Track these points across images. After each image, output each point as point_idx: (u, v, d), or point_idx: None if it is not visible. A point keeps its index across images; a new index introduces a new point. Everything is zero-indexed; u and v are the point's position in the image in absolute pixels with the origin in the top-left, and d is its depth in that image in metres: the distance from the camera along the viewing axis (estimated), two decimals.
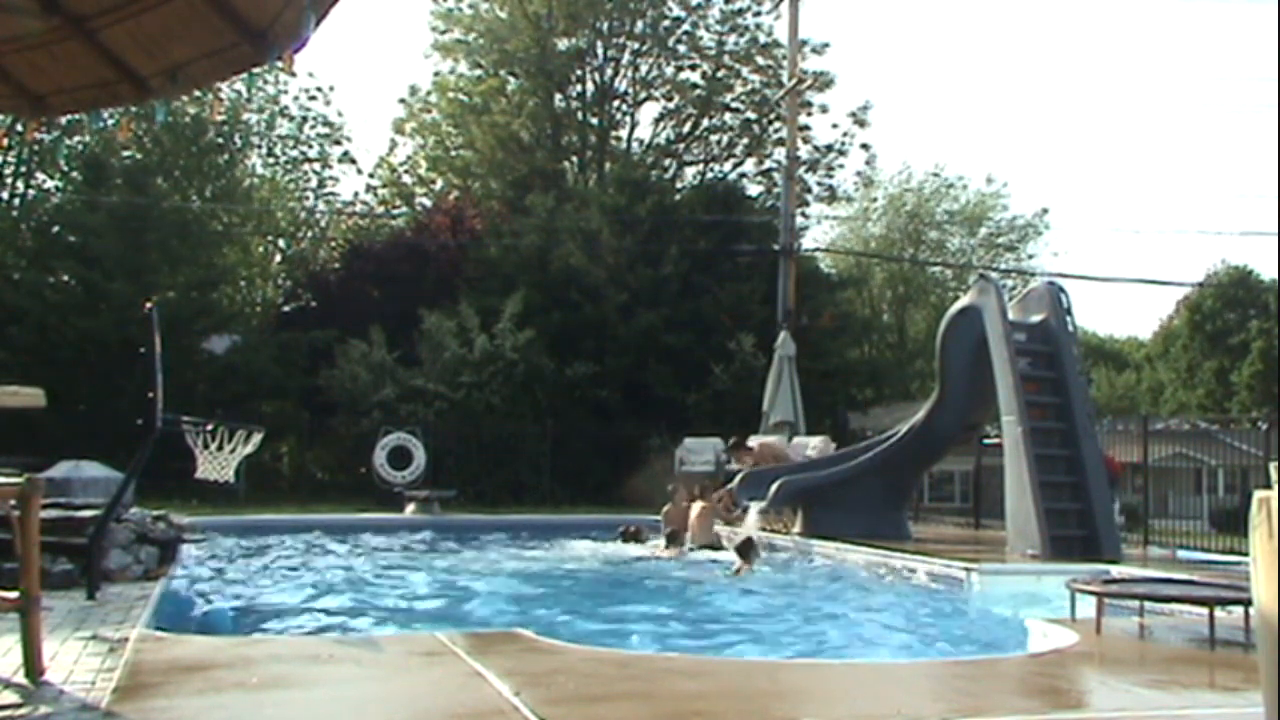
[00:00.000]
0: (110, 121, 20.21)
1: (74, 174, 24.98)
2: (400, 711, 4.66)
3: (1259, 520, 3.55)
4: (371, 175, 32.59)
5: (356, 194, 32.88)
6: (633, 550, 13.51)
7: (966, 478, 19.23)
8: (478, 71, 31.06)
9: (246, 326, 23.73)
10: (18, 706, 4.29)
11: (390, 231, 27.80)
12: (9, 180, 25.87)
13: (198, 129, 26.11)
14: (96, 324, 19.84)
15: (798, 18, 22.89)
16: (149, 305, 7.83)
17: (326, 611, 8.42)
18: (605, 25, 30.35)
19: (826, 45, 30.41)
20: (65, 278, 21.94)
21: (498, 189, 29.34)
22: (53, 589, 6.81)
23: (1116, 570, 9.21)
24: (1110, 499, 11.70)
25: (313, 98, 30.12)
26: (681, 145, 32.38)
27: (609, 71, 30.88)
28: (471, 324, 21.48)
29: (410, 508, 16.87)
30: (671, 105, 31.85)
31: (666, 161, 31.92)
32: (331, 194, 31.31)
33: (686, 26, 31.12)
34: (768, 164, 31.57)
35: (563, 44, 30.28)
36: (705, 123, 32.07)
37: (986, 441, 15.32)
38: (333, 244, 28.84)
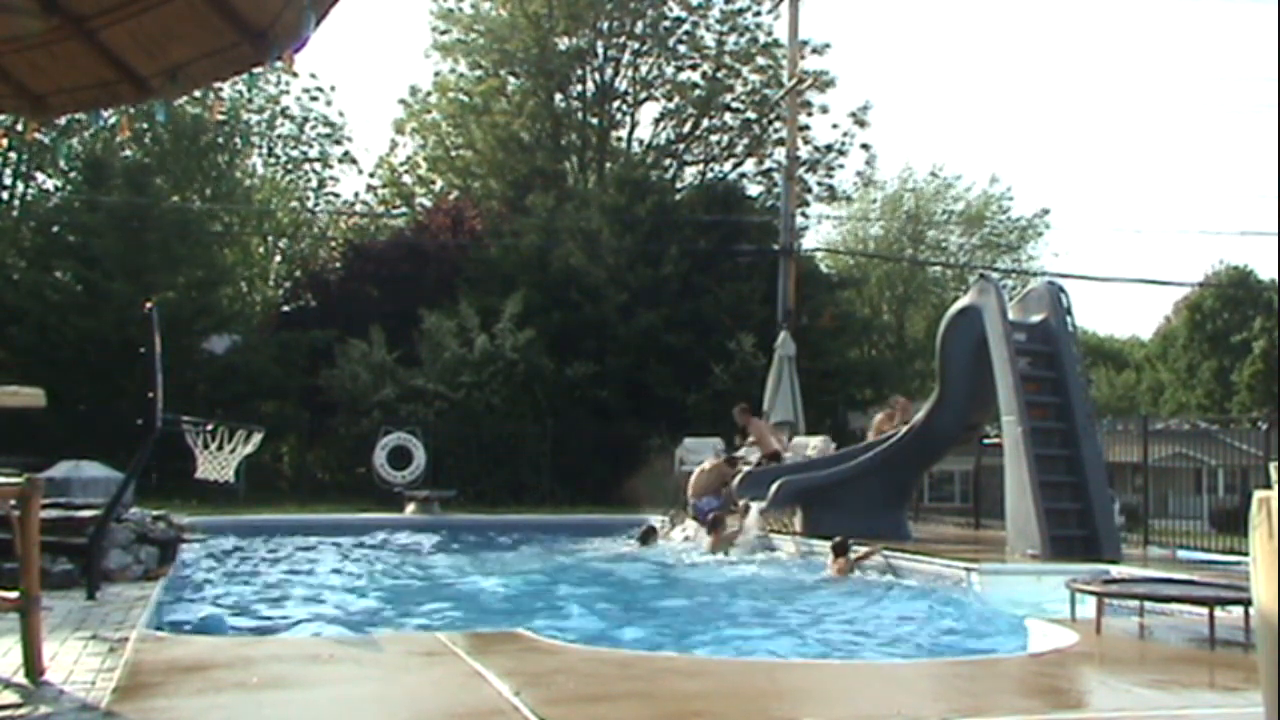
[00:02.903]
0: (110, 121, 20.19)
1: (74, 174, 24.98)
2: (400, 711, 4.66)
3: (1259, 520, 3.55)
4: (372, 175, 32.67)
5: (357, 194, 32.99)
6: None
7: (966, 478, 19.21)
8: (478, 71, 31.06)
9: (246, 326, 23.73)
10: (18, 706, 4.29)
11: (390, 231, 27.81)
12: (9, 180, 25.88)
13: (198, 129, 26.13)
14: (96, 324, 19.83)
15: (798, 18, 22.89)
16: (149, 305, 7.83)
17: (340, 611, 8.43)
18: (605, 25, 30.34)
19: (827, 45, 30.43)
20: (65, 278, 21.94)
21: (498, 189, 29.35)
22: (53, 589, 6.81)
23: (1116, 570, 9.21)
24: (1110, 499, 11.69)
25: (314, 98, 30.19)
26: (681, 145, 32.38)
27: (609, 71, 30.88)
28: (471, 324, 21.47)
29: (410, 508, 16.87)
30: (671, 105, 31.86)
31: (666, 161, 31.92)
32: (332, 194, 31.38)
33: (687, 26, 31.12)
34: (768, 164, 31.57)
35: (563, 44, 30.28)
36: (705, 123, 32.07)
37: (986, 441, 15.31)
38: (333, 244, 28.85)
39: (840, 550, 11.03)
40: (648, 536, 14.03)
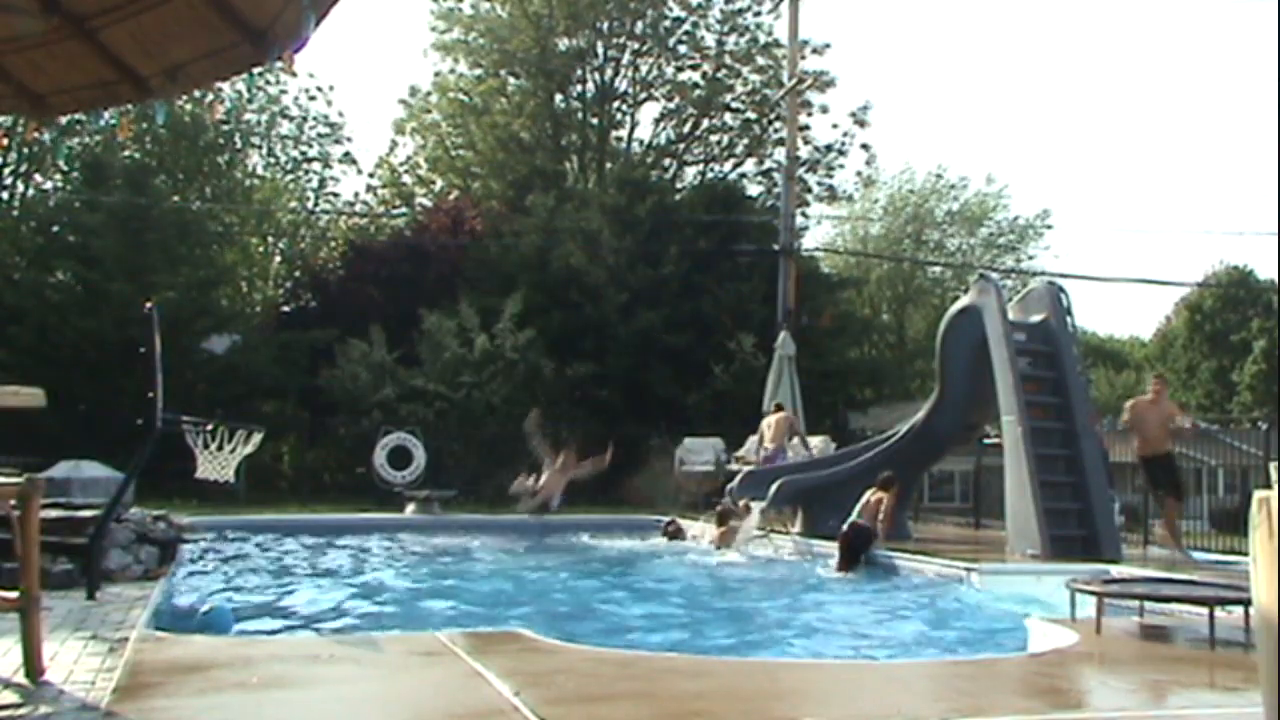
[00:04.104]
0: (110, 121, 20.15)
1: (74, 174, 24.97)
2: (400, 711, 4.66)
3: (1259, 520, 3.55)
4: (372, 175, 32.61)
5: (357, 194, 32.93)
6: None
7: (966, 478, 19.22)
8: (478, 71, 31.06)
9: (246, 326, 23.70)
10: (18, 706, 4.29)
11: (390, 231, 27.80)
12: (9, 180, 25.87)
13: (198, 129, 26.11)
14: (96, 324, 19.82)
15: (798, 18, 22.89)
16: (149, 305, 7.83)
17: (341, 611, 8.43)
18: (605, 25, 30.33)
19: (827, 45, 30.42)
20: (65, 278, 21.92)
21: (498, 189, 29.34)
22: (53, 589, 6.81)
23: (1116, 570, 9.21)
24: (1110, 498, 11.70)
25: (313, 98, 30.15)
26: (681, 145, 32.37)
27: (609, 71, 30.87)
28: (471, 324, 21.46)
29: (410, 508, 16.87)
30: (672, 105, 31.85)
31: (666, 161, 31.91)
32: (332, 194, 31.34)
33: (687, 26, 31.11)
34: (768, 164, 31.57)
35: (563, 44, 30.27)
36: (705, 123, 32.05)
37: (986, 441, 15.32)
38: (333, 244, 28.83)
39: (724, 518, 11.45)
40: (676, 533, 14.23)
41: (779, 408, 16.12)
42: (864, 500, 11.51)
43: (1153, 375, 13.35)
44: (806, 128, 30.74)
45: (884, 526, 11.43)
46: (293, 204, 30.21)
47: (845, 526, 11.26)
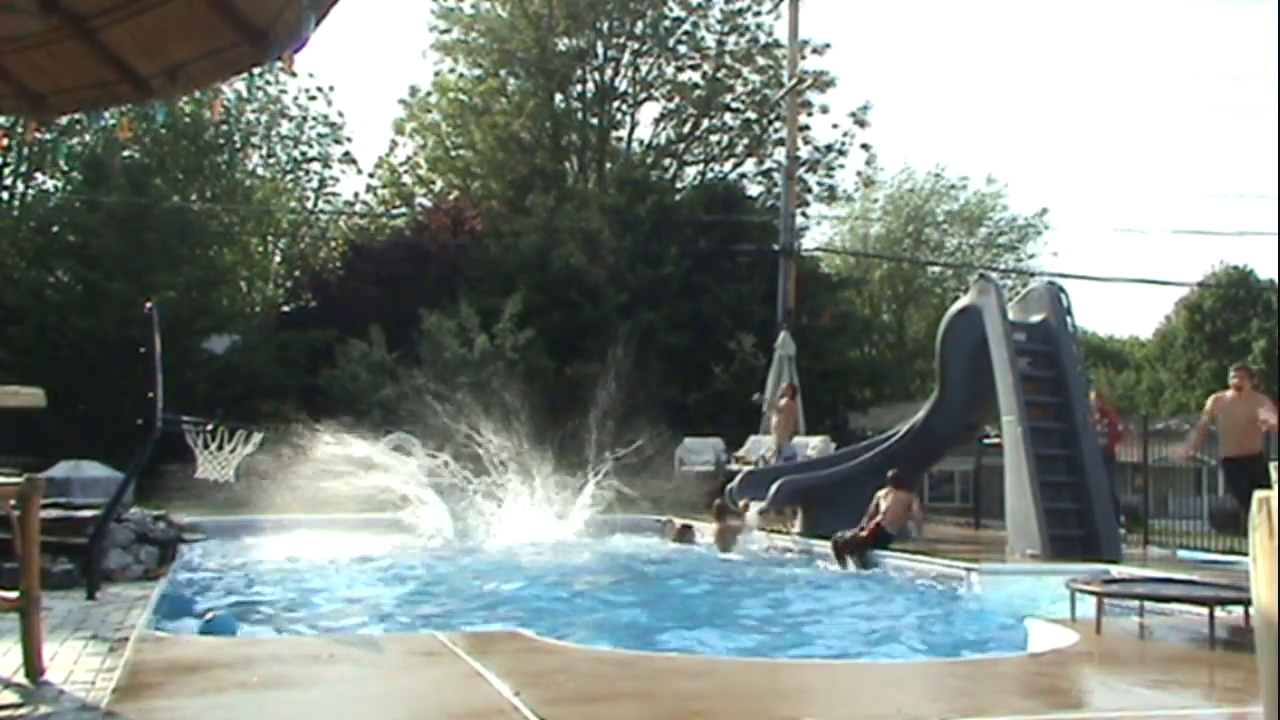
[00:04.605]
0: (110, 121, 20.15)
1: (74, 174, 24.98)
2: (400, 711, 4.66)
3: (1259, 520, 3.55)
4: (372, 175, 32.61)
5: (357, 194, 32.91)
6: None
7: (966, 478, 19.20)
8: (478, 71, 31.08)
9: (246, 326, 23.71)
10: (18, 706, 4.29)
11: (390, 231, 27.81)
12: (9, 180, 25.88)
13: (198, 129, 26.12)
14: (96, 324, 19.83)
15: (798, 18, 22.91)
16: (149, 305, 7.83)
17: (348, 612, 8.42)
18: (605, 25, 30.36)
19: (827, 45, 30.45)
20: (65, 277, 21.93)
21: (498, 189, 29.36)
22: (53, 589, 6.81)
23: (1116, 570, 9.21)
24: (1111, 497, 11.69)
25: (313, 98, 30.14)
26: (681, 145, 32.39)
27: (609, 71, 30.90)
28: (472, 324, 21.47)
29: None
30: (672, 105, 31.88)
31: (666, 161, 31.93)
32: (332, 194, 31.34)
33: (687, 26, 31.16)
34: (768, 164, 31.59)
35: (563, 44, 30.30)
36: (705, 123, 32.08)
37: (986, 441, 15.32)
38: (333, 244, 28.83)
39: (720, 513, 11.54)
40: (684, 534, 14.24)
41: (792, 390, 16.07)
42: (886, 504, 11.52)
43: (1234, 368, 11.66)
44: (806, 128, 30.75)
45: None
46: (293, 204, 30.20)
47: (870, 525, 11.30)
